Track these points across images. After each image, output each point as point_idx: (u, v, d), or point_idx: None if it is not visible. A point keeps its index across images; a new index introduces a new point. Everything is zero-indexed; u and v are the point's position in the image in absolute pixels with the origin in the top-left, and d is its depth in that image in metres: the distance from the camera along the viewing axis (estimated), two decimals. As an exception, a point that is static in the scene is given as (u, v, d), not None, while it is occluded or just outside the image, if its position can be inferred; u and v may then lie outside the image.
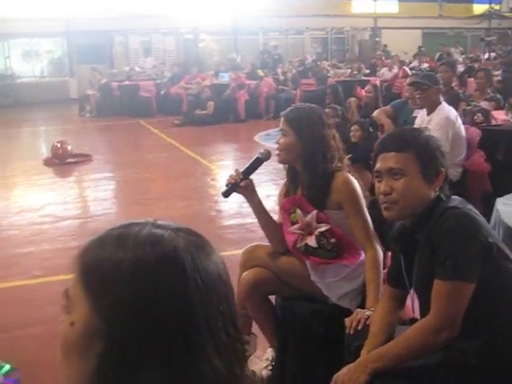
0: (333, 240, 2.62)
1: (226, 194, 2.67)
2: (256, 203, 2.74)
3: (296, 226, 2.67)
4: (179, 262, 0.80)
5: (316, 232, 2.62)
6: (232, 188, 2.65)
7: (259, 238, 4.34)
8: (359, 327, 2.28)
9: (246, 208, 6.02)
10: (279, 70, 16.09)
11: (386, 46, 20.69)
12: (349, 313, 2.43)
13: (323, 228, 2.61)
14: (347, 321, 2.33)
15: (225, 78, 14.98)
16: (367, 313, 2.31)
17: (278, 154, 2.70)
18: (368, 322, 2.24)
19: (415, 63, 16.96)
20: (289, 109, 2.75)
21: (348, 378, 1.93)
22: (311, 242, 2.63)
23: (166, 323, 0.78)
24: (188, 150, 10.12)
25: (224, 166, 9.13)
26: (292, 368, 2.73)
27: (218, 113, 13.31)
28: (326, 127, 2.67)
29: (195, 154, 9.73)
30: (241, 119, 13.66)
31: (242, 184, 2.64)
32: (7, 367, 1.81)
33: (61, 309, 0.85)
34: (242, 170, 2.66)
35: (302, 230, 2.66)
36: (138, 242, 0.81)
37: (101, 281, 0.79)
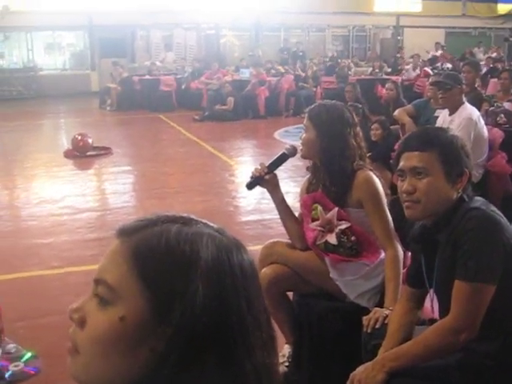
0: (353, 238, 2.61)
1: (250, 187, 2.70)
2: (279, 198, 2.77)
3: (316, 222, 2.67)
4: (232, 261, 0.82)
5: (336, 229, 2.61)
6: (256, 181, 2.68)
7: (277, 234, 4.35)
8: (377, 326, 2.27)
9: (265, 204, 6.09)
10: (297, 66, 16.07)
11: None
12: (367, 311, 2.42)
13: (344, 226, 2.61)
14: (365, 319, 2.32)
15: (246, 73, 14.98)
16: (385, 312, 2.30)
17: (300, 149, 2.73)
18: (386, 322, 2.23)
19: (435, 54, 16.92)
20: (313, 105, 2.78)
21: (365, 377, 1.92)
22: (331, 239, 2.62)
23: (230, 320, 0.79)
24: (207, 145, 10.14)
25: (243, 162, 9.14)
26: (308, 365, 2.73)
27: (238, 109, 13.32)
28: (347, 125, 2.66)
29: (214, 150, 9.75)
30: (261, 115, 13.64)
31: (266, 177, 2.67)
32: (28, 355, 1.83)
33: (88, 298, 0.83)
34: (267, 164, 2.69)
35: (323, 227, 2.65)
36: (200, 241, 0.81)
37: (166, 278, 0.78)
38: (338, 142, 2.63)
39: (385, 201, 2.61)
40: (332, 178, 2.66)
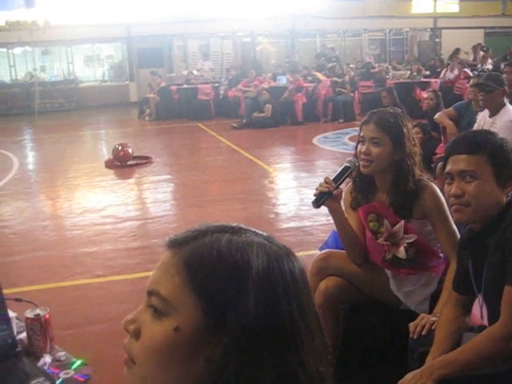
0: (414, 250, 2.55)
1: (318, 203, 2.48)
2: (341, 214, 2.61)
3: (382, 237, 2.57)
4: (283, 269, 0.82)
5: (404, 243, 2.53)
6: (324, 196, 2.47)
7: (318, 240, 4.34)
8: (423, 332, 2.24)
9: (305, 210, 6.09)
10: (336, 68, 16.07)
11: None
12: (414, 317, 2.38)
13: (412, 239, 2.53)
14: (411, 325, 2.29)
15: (283, 80, 15.00)
16: (432, 318, 2.27)
17: (365, 166, 2.57)
18: (433, 328, 2.20)
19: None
20: (375, 115, 2.60)
21: (413, 385, 1.89)
22: (400, 253, 2.53)
23: (283, 327, 0.79)
24: (246, 153, 10.18)
25: (282, 169, 9.15)
26: (355, 373, 2.70)
27: (276, 115, 13.34)
28: (410, 131, 2.60)
29: (253, 157, 9.78)
30: (299, 122, 13.64)
31: (335, 192, 2.49)
32: (78, 362, 1.86)
33: (142, 309, 0.85)
34: (332, 179, 2.51)
35: (387, 241, 2.56)
36: (251, 250, 0.82)
37: (219, 288, 0.79)
38: (414, 151, 2.56)
39: (449, 211, 2.45)
40: (404, 190, 2.54)
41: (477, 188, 1.89)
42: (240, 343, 0.77)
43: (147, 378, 0.82)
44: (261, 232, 0.88)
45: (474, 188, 1.90)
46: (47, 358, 1.90)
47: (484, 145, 1.93)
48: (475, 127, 4.82)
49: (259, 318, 0.77)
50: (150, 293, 0.83)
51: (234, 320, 0.77)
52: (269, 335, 0.78)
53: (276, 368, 0.78)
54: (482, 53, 18.17)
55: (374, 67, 16.68)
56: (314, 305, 0.87)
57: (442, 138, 6.06)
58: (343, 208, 2.71)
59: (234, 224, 0.88)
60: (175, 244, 0.85)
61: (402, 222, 2.55)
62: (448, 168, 1.96)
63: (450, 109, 6.17)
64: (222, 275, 0.79)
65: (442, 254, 2.60)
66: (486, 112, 4.87)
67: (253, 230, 0.88)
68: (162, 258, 0.86)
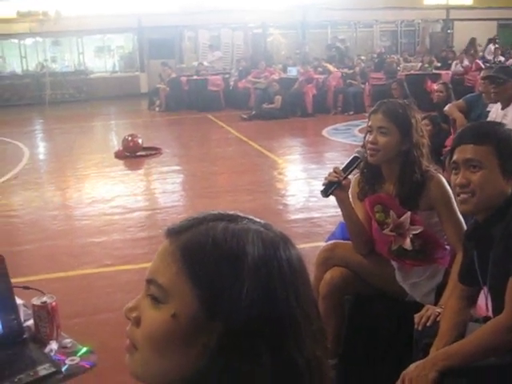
0: (421, 241, 2.54)
1: (326, 193, 2.50)
2: (348, 204, 2.62)
3: (388, 228, 2.56)
4: (279, 255, 0.83)
5: (410, 234, 2.53)
6: (333, 186, 2.49)
7: (326, 231, 4.34)
8: (428, 323, 2.24)
9: (313, 202, 6.09)
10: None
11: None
12: (420, 309, 2.38)
13: (418, 230, 2.52)
14: (417, 317, 2.29)
15: (293, 72, 14.95)
16: (438, 310, 2.27)
17: (372, 155, 2.57)
18: (438, 319, 2.19)
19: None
20: (384, 105, 2.61)
21: (416, 375, 1.89)
22: (406, 244, 2.53)
23: (279, 314, 0.80)
24: (255, 144, 10.17)
25: (291, 161, 9.15)
26: (360, 363, 2.70)
27: (286, 107, 13.31)
28: (419, 122, 2.61)
29: (262, 148, 9.77)
30: (308, 113, 13.60)
31: (344, 182, 2.51)
32: (84, 349, 1.88)
33: (142, 297, 0.86)
34: (341, 169, 2.52)
35: (393, 232, 2.55)
36: (246, 237, 0.82)
37: (214, 275, 0.80)
38: (416, 142, 2.54)
39: (455, 203, 2.40)
40: (410, 180, 2.54)
41: (482, 178, 1.89)
42: (234, 329, 0.78)
43: (147, 364, 0.83)
44: (258, 220, 0.88)
45: (479, 178, 1.89)
46: (53, 345, 1.91)
47: (491, 135, 1.92)
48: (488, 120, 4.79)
49: (254, 303, 0.78)
50: (149, 281, 0.85)
51: (228, 307, 0.78)
52: (265, 321, 0.78)
53: (273, 353, 0.79)
54: (492, 46, 18.01)
55: (387, 57, 16.60)
56: (312, 292, 0.88)
57: (452, 130, 6.02)
58: (350, 199, 2.71)
59: (231, 212, 0.89)
60: (172, 233, 0.86)
61: (409, 213, 2.54)
62: (454, 157, 1.96)
63: (460, 101, 6.12)
64: (217, 263, 0.80)
65: (448, 246, 2.60)
66: (499, 105, 4.84)
67: (250, 217, 0.88)
68: (160, 246, 0.87)
